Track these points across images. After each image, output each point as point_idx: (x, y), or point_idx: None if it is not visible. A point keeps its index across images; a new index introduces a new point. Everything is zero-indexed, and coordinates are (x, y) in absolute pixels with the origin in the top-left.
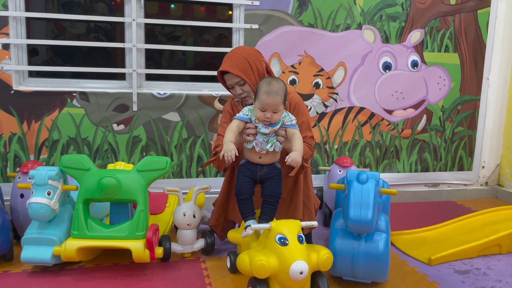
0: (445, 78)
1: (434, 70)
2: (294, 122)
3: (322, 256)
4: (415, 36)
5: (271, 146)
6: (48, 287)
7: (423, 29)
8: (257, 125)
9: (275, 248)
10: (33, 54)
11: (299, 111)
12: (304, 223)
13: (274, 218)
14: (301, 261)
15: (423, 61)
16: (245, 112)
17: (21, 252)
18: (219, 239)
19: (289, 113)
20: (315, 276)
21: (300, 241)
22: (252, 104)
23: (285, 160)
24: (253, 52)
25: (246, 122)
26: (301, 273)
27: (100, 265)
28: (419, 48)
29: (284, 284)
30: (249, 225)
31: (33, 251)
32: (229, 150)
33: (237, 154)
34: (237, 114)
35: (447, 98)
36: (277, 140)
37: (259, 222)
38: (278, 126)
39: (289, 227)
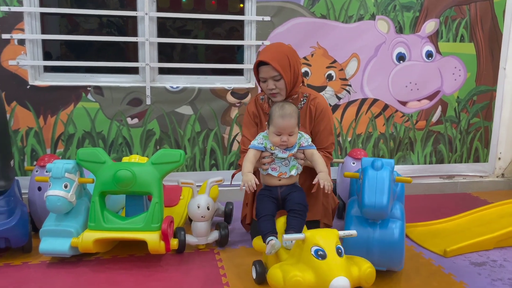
0: (461, 68)
1: (449, 60)
2: (310, 141)
3: (364, 270)
4: (430, 26)
5: (295, 171)
6: (67, 278)
7: (437, 19)
8: (273, 151)
9: (311, 261)
10: (47, 57)
11: (325, 117)
12: (342, 233)
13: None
14: (342, 277)
15: (438, 51)
16: (259, 140)
17: (39, 243)
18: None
19: (303, 133)
20: None
21: (339, 254)
22: (280, 101)
23: (314, 182)
24: (293, 52)
25: (262, 151)
26: None
27: (117, 256)
28: (434, 38)
29: None
30: (271, 239)
31: (51, 243)
32: (248, 180)
33: (258, 182)
34: (251, 143)
35: (462, 88)
36: (297, 163)
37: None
38: (296, 149)
39: (326, 238)
